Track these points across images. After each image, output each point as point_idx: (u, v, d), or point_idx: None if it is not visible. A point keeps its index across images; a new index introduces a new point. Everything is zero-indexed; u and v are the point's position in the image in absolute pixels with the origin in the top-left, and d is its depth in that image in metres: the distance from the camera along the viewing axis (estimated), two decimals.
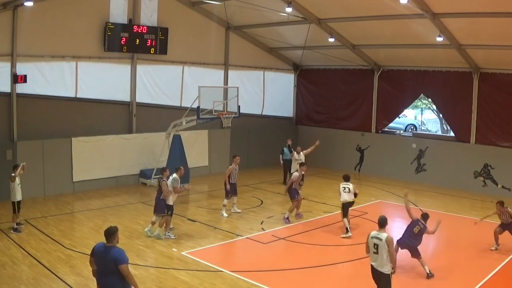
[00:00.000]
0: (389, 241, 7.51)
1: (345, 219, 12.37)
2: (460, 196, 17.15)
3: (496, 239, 11.39)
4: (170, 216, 11.73)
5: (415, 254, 9.82)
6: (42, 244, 11.08)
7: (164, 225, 11.77)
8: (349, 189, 12.45)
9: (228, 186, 13.76)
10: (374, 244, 7.60)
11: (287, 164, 17.95)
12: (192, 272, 9.70)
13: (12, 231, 11.84)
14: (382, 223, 7.77)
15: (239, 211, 14.32)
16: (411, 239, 9.82)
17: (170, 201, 11.66)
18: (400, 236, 10.05)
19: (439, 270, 10.13)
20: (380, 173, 20.42)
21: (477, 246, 11.77)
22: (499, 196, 16.88)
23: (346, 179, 12.66)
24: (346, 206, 12.43)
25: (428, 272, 9.66)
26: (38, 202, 14.60)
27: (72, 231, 12.36)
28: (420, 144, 19.78)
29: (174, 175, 11.79)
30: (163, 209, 11.65)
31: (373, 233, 7.74)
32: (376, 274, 7.69)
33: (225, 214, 13.88)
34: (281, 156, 18.50)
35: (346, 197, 12.39)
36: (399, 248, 9.92)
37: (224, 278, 9.43)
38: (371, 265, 7.75)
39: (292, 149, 17.83)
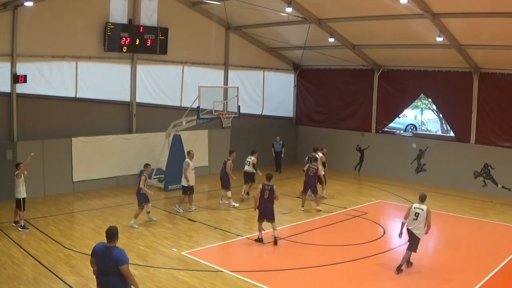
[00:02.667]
0: (429, 211, 9.69)
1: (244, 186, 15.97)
2: (460, 196, 17.15)
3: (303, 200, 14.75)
4: (143, 205, 12.78)
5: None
6: (42, 244, 11.08)
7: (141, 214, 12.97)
8: (249, 163, 15.86)
9: (234, 177, 14.93)
10: (416, 212, 9.71)
11: (277, 155, 20.86)
12: (192, 272, 9.70)
13: (20, 229, 11.87)
14: (423, 198, 9.89)
15: (227, 202, 15.15)
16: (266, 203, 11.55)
17: (190, 182, 13.98)
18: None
19: (439, 270, 10.14)
20: (380, 173, 20.42)
21: (477, 246, 11.78)
22: (499, 196, 16.99)
23: (252, 153, 15.97)
24: (244, 175, 15.90)
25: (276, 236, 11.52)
26: (38, 202, 14.59)
27: (72, 231, 12.36)
28: (420, 144, 19.78)
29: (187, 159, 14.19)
30: (140, 201, 12.68)
31: (416, 205, 9.86)
32: (411, 234, 9.82)
33: (236, 204, 14.65)
34: (272, 149, 20.90)
35: (245, 168, 15.91)
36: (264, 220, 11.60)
37: (224, 278, 9.43)
38: (408, 229, 9.82)
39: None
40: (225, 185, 14.91)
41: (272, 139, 21.03)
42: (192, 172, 14.19)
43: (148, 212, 13.00)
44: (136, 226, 12.52)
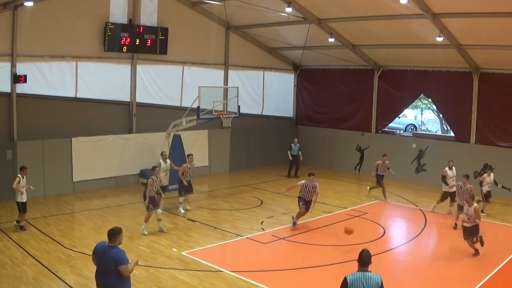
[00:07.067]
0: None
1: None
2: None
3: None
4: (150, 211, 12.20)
5: None
6: (42, 244, 11.08)
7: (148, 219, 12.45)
8: None
9: (185, 183, 14.07)
10: None
11: (295, 159, 20.01)
12: (192, 272, 9.70)
13: (19, 229, 11.86)
14: None
15: (188, 208, 14.53)
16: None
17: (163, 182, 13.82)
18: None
19: (439, 270, 10.13)
20: None
21: (477, 246, 11.75)
22: (499, 196, 16.95)
23: None
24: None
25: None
26: (38, 202, 14.57)
27: (72, 231, 12.36)
28: (420, 144, 19.79)
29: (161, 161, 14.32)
30: (147, 205, 12.15)
31: None
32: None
33: (182, 211, 14.17)
34: (289, 151, 20.10)
35: None
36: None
37: (224, 278, 9.43)
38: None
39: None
40: (179, 190, 14.32)
41: (273, 139, 21.07)
42: (164, 173, 14.37)
43: (158, 220, 12.34)
44: (146, 232, 12.02)
